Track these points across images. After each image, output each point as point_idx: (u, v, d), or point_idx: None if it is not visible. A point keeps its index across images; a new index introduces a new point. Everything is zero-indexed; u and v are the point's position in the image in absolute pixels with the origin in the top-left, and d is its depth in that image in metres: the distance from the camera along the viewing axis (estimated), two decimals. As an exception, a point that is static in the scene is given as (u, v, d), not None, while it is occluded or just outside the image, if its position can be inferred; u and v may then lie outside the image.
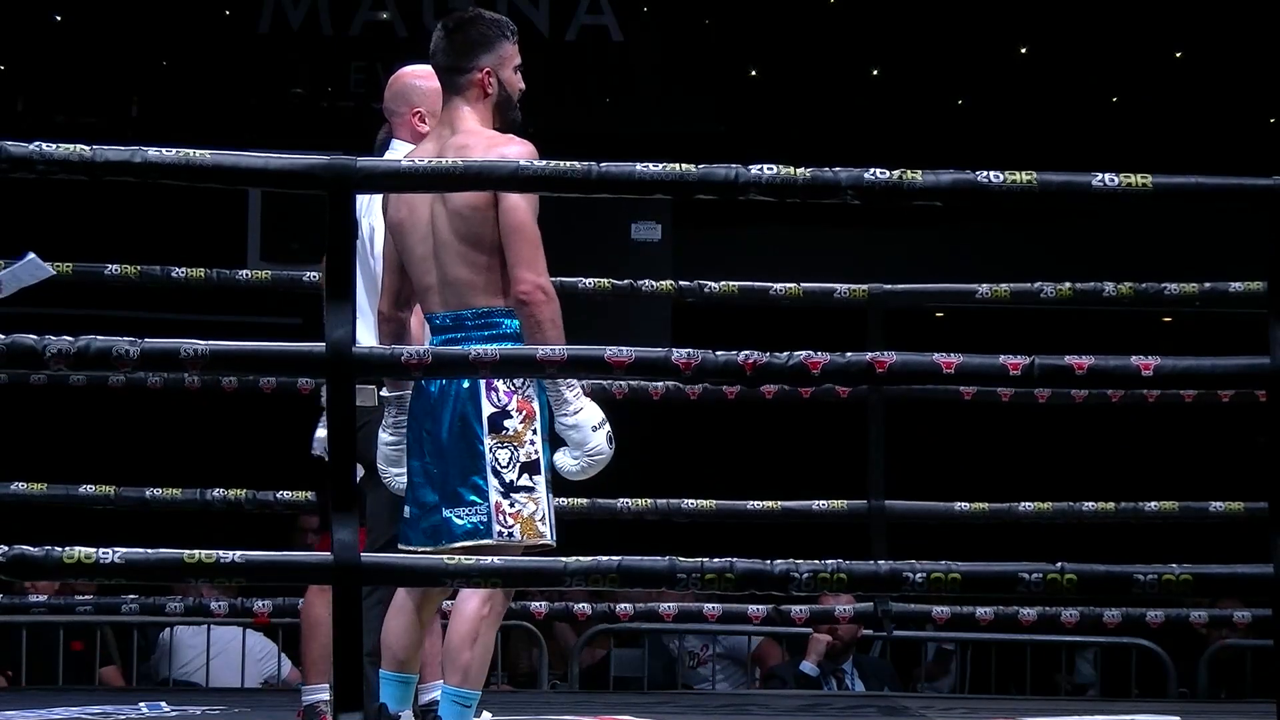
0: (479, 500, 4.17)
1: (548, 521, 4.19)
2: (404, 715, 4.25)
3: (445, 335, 4.23)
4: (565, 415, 4.20)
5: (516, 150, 4.17)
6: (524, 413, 4.19)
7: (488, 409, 4.17)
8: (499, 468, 4.16)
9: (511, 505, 4.16)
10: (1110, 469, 9.86)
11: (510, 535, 4.15)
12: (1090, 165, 4.27)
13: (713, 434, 9.93)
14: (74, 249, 6.54)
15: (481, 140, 4.23)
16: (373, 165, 4.02)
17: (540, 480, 4.18)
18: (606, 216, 10.07)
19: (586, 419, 4.20)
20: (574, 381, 4.22)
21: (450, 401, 4.21)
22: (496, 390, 4.18)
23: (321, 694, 4.87)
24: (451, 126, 4.31)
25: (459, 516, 4.19)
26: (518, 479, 4.17)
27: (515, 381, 4.18)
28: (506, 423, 4.18)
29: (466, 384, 4.19)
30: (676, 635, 7.63)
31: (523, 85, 4.39)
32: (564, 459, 4.22)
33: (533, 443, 4.18)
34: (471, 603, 4.18)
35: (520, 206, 4.19)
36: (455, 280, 4.23)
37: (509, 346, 4.10)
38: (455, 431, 4.20)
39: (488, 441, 4.17)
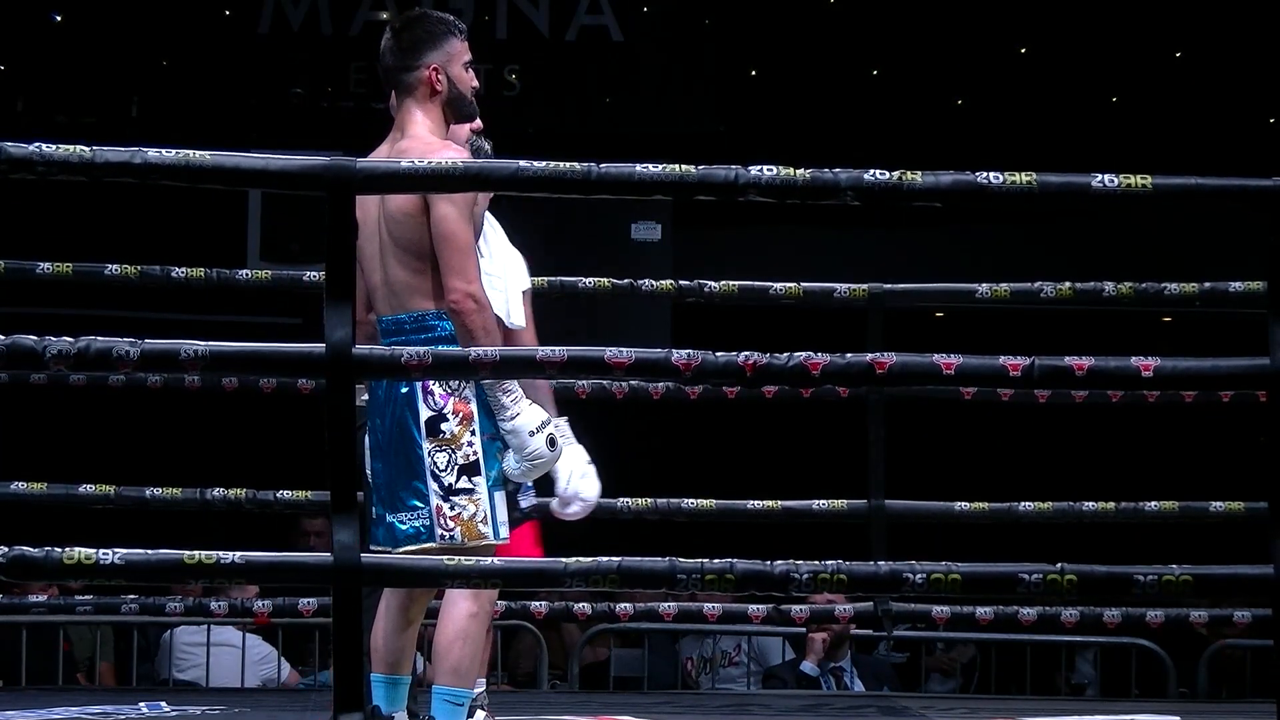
0: (420, 504, 4.18)
1: (490, 521, 4.19)
2: (397, 717, 4.25)
3: (388, 339, 4.25)
4: (504, 420, 4.22)
5: (449, 157, 4.17)
6: (460, 415, 4.19)
7: (425, 413, 4.18)
8: (438, 471, 4.17)
9: (452, 508, 4.17)
10: (1110, 469, 9.85)
11: (452, 538, 4.16)
12: (1090, 165, 4.27)
13: (713, 434, 9.92)
14: (74, 249, 6.54)
15: (417, 148, 4.23)
16: (373, 166, 4.02)
17: (480, 481, 4.18)
18: (606, 216, 10.07)
19: (524, 423, 4.22)
20: (512, 386, 4.23)
21: (389, 406, 4.22)
22: (433, 394, 4.19)
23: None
24: (402, 130, 4.32)
25: (402, 521, 4.20)
26: (456, 482, 4.18)
27: (451, 384, 4.19)
28: (443, 426, 4.19)
29: (404, 388, 4.20)
30: (710, 635, 7.64)
31: (476, 83, 4.39)
32: (507, 462, 4.25)
33: (470, 444, 4.19)
34: (460, 603, 4.19)
35: (450, 216, 4.18)
36: (394, 283, 4.25)
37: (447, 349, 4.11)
38: (394, 436, 4.21)
39: (426, 445, 4.18)
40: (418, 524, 4.19)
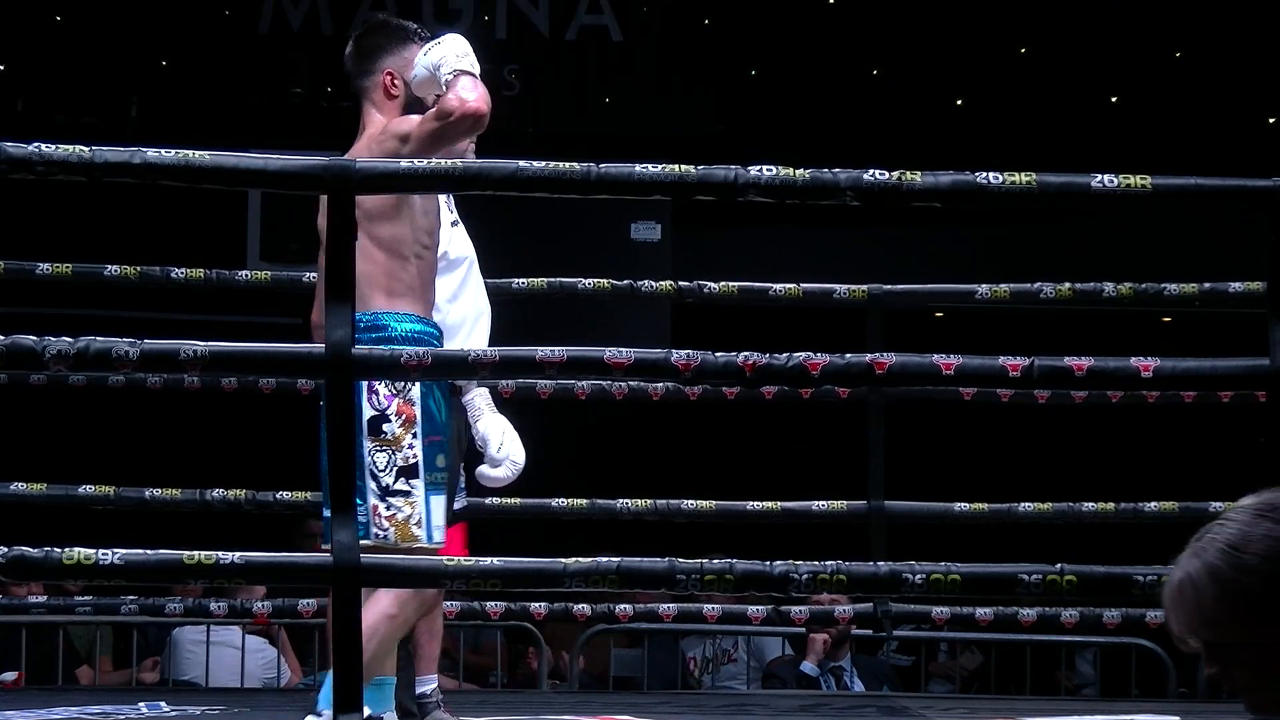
0: (359, 502, 4.15)
1: (425, 524, 4.17)
2: (386, 717, 4.24)
3: None
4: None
5: (402, 124, 4.17)
6: (404, 416, 4.17)
7: (368, 412, 4.16)
8: (376, 471, 4.15)
9: (388, 509, 4.15)
10: (1110, 469, 9.85)
11: (385, 538, 4.14)
12: (1090, 165, 4.27)
13: (712, 434, 9.93)
14: (74, 249, 6.54)
15: (364, 147, 4.23)
16: (372, 166, 4.02)
17: (418, 484, 4.16)
18: (606, 216, 10.07)
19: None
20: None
21: None
22: (377, 394, 4.17)
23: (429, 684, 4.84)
24: (361, 131, 4.33)
25: None
26: (394, 483, 4.16)
27: (396, 385, 4.16)
28: (385, 426, 4.17)
29: None
30: (711, 633, 7.64)
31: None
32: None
33: (411, 447, 4.16)
34: (381, 602, 4.17)
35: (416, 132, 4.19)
36: (358, 279, 4.21)
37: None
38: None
39: (367, 444, 4.15)
40: (357, 520, 4.16)
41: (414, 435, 4.16)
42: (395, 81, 4.32)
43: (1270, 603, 2.12)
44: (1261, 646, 2.12)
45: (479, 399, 4.86)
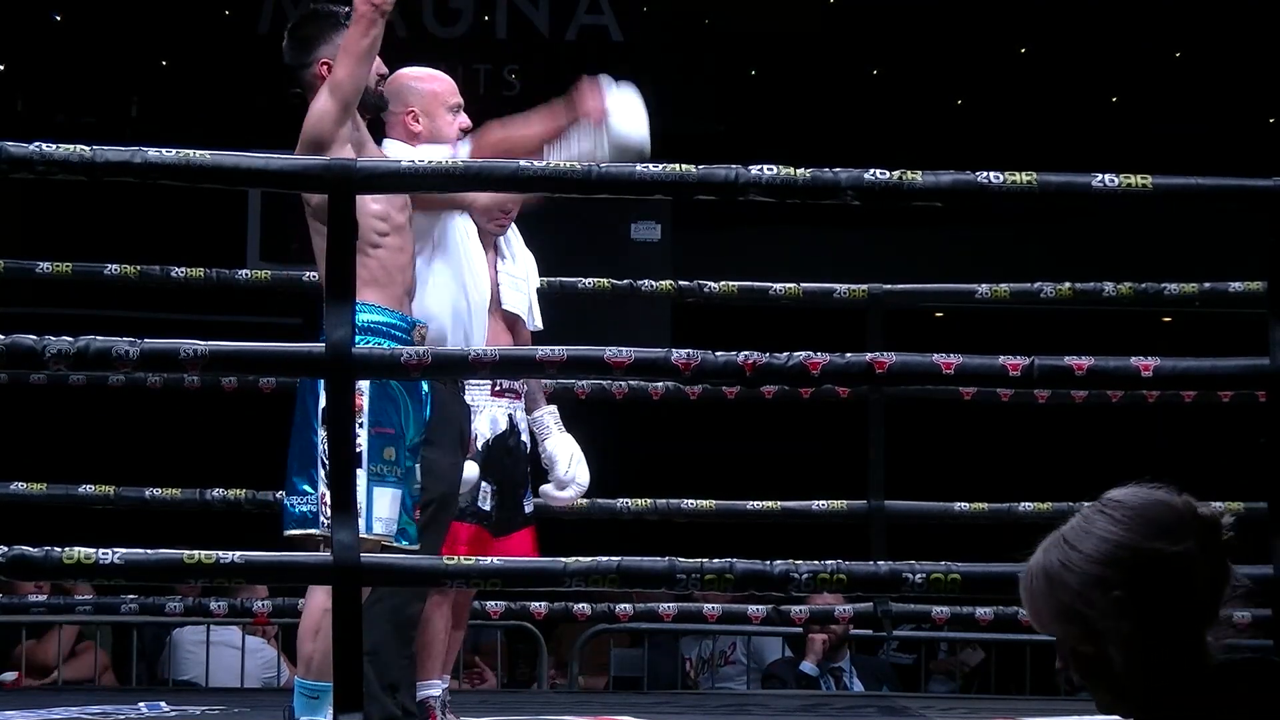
0: (310, 490, 4.16)
1: (365, 515, 4.12)
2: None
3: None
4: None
5: (320, 104, 4.18)
6: None
7: (322, 400, 4.12)
8: (326, 459, 4.13)
9: None
10: (1110, 469, 9.84)
11: (330, 526, 4.10)
12: (1090, 165, 4.27)
13: (713, 434, 9.92)
14: (74, 249, 6.54)
15: (302, 144, 4.21)
16: (373, 166, 4.02)
17: (360, 474, 4.11)
18: (606, 216, 10.07)
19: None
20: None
21: (298, 393, 4.21)
22: None
23: (433, 689, 4.82)
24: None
25: (294, 505, 4.20)
26: None
27: None
28: None
29: None
30: (710, 634, 7.64)
31: (382, 70, 4.37)
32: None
33: (356, 436, 4.13)
34: (317, 597, 4.16)
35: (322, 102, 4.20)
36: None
37: (368, 342, 4.09)
38: (297, 422, 4.21)
39: (320, 433, 4.14)
40: (306, 509, 4.17)
41: (359, 425, 4.14)
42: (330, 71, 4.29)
43: (1087, 605, 1.98)
44: (1089, 650, 1.98)
45: (547, 417, 4.91)
